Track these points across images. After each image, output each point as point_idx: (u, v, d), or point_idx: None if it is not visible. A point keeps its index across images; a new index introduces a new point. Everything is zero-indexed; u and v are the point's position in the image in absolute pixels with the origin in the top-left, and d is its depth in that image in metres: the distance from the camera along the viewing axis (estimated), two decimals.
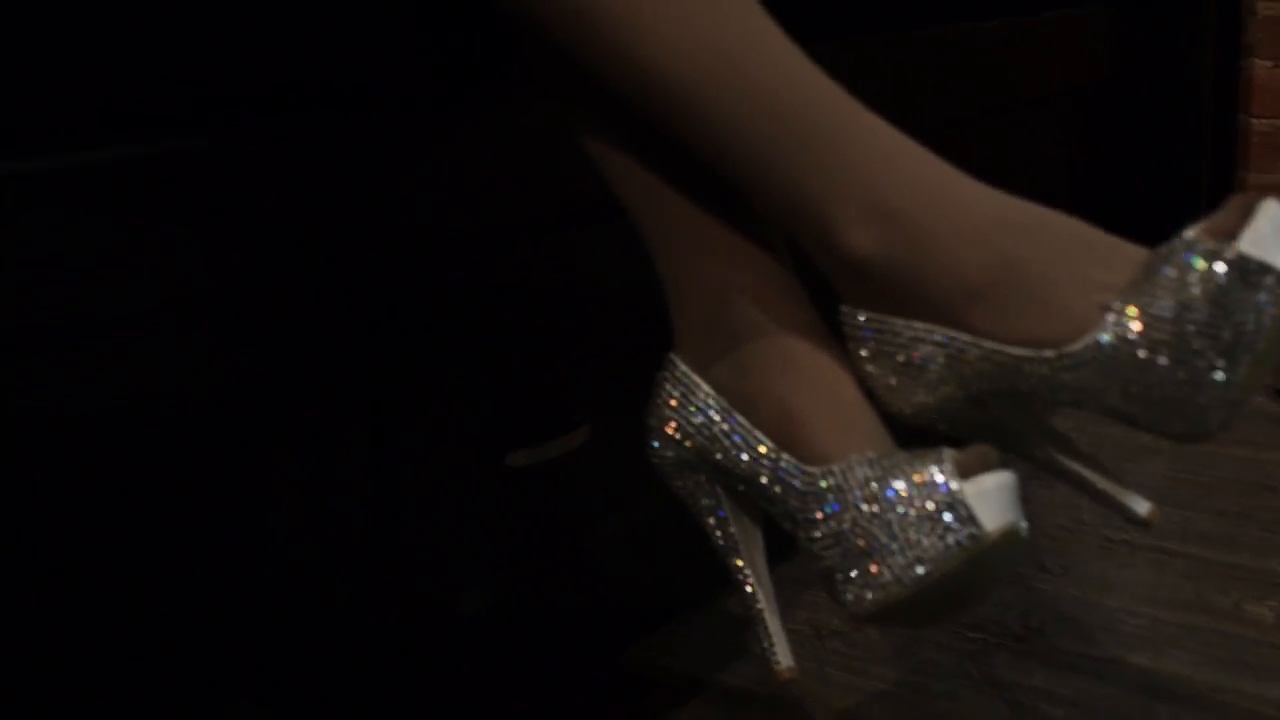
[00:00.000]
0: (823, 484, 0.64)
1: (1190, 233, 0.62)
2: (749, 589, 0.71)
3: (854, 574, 0.63)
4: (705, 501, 0.72)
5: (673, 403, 0.71)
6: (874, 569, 0.62)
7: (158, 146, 0.68)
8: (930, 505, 0.61)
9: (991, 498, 0.61)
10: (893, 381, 0.67)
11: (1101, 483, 0.68)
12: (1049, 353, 0.62)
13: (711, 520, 0.72)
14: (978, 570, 0.62)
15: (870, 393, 0.68)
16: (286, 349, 0.75)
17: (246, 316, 0.73)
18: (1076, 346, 0.62)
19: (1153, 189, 1.68)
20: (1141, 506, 0.67)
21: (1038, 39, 1.51)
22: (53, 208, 0.64)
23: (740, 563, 0.72)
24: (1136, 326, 0.61)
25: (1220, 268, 0.60)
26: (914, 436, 0.68)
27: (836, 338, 0.70)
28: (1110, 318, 0.61)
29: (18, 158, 0.63)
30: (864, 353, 0.68)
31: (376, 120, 0.78)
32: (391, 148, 0.79)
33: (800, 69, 0.67)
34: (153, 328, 0.68)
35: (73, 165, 0.65)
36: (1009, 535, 0.61)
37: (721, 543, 0.72)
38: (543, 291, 0.91)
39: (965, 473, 0.62)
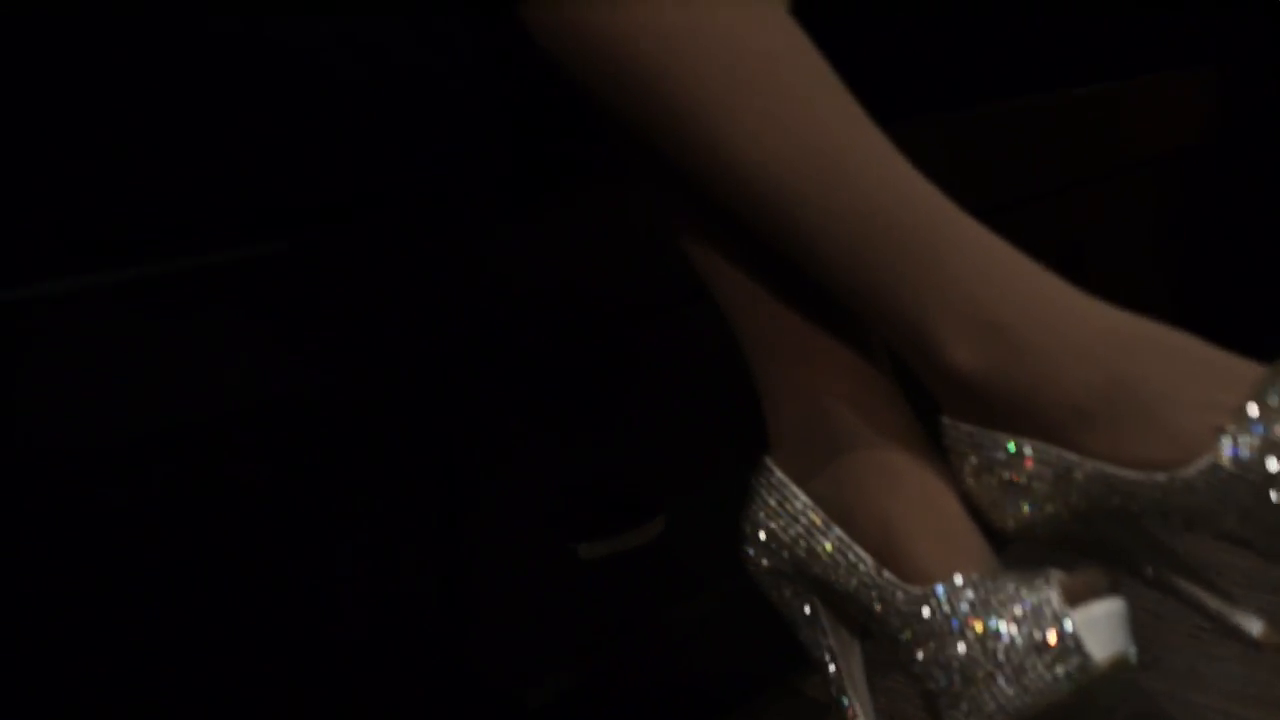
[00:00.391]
0: (925, 608, 0.63)
1: None
2: (845, 701, 0.70)
3: (959, 699, 0.61)
4: (802, 612, 0.70)
5: (768, 510, 0.70)
6: (979, 696, 0.61)
7: (251, 251, 0.69)
8: (1037, 634, 0.60)
9: (1101, 626, 0.60)
10: (996, 497, 0.65)
11: (1214, 602, 0.66)
12: (1161, 476, 0.60)
13: (808, 631, 0.70)
14: (1085, 697, 0.60)
15: (972, 506, 0.67)
16: (357, 436, 0.74)
17: (317, 403, 0.72)
18: (1190, 471, 0.60)
19: (1254, 256, 1.64)
20: (1255, 627, 0.65)
21: (1136, 104, 1.48)
22: (144, 314, 0.64)
23: (839, 674, 0.70)
24: (1253, 450, 0.59)
25: None
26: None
27: (938, 448, 0.68)
28: (1225, 440, 0.59)
29: (101, 269, 0.64)
30: (966, 467, 0.66)
31: (452, 209, 0.78)
32: (463, 238, 0.79)
33: (899, 172, 0.65)
34: (228, 419, 0.68)
35: (166, 273, 0.66)
36: (1118, 664, 0.60)
37: (818, 654, 0.71)
38: (619, 376, 0.90)
39: (1073, 599, 0.60)
